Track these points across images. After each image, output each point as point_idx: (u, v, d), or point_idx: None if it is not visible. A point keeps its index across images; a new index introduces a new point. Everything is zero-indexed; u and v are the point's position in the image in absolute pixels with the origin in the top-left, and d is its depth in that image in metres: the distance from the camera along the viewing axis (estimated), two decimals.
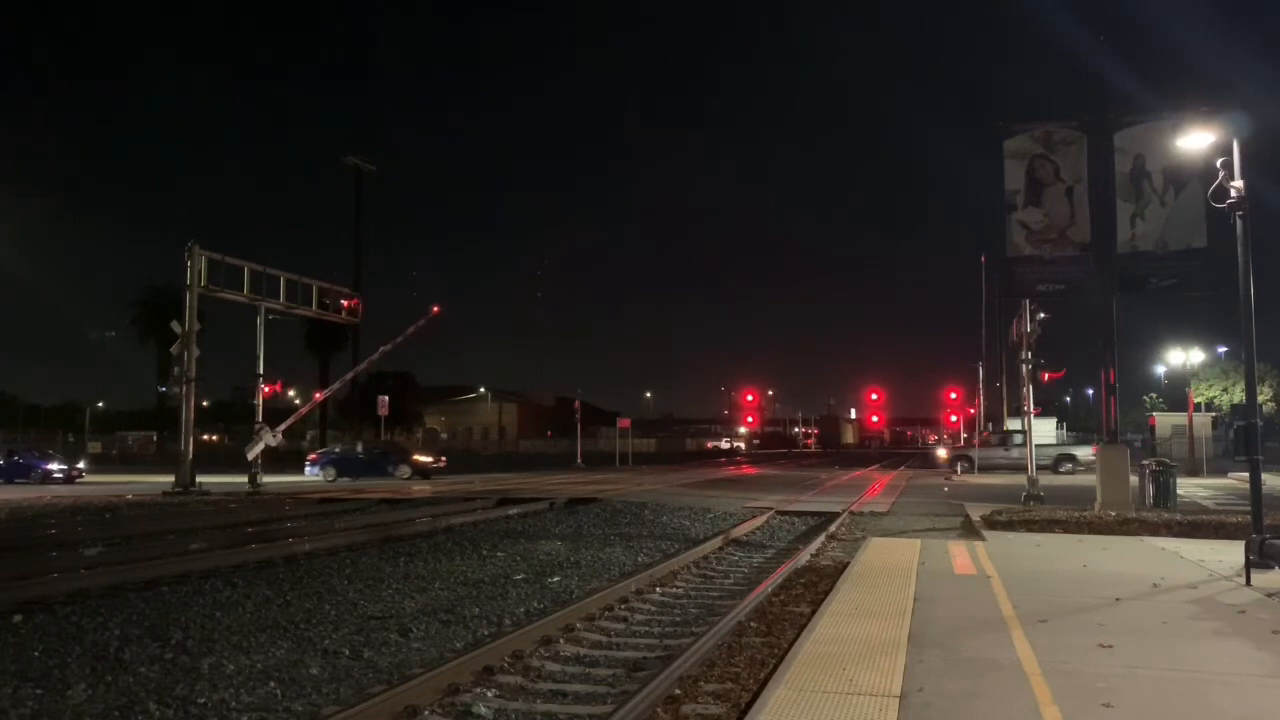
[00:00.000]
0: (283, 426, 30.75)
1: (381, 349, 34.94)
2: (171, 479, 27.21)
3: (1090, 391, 77.36)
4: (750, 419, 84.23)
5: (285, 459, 43.65)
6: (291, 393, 36.13)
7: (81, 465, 35.23)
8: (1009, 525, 15.38)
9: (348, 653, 7.45)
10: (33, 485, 31.02)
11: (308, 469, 34.09)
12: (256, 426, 29.89)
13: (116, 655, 7.26)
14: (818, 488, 28.76)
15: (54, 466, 33.15)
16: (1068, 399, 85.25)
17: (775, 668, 6.42)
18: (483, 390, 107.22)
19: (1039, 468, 40.77)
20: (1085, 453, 39.27)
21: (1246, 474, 11.34)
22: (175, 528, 17.35)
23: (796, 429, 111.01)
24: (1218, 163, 11.12)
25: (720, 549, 13.99)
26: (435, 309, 35.25)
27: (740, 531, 16.02)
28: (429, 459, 35.86)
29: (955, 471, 37.58)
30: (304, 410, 35.85)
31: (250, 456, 28.96)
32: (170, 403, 41.98)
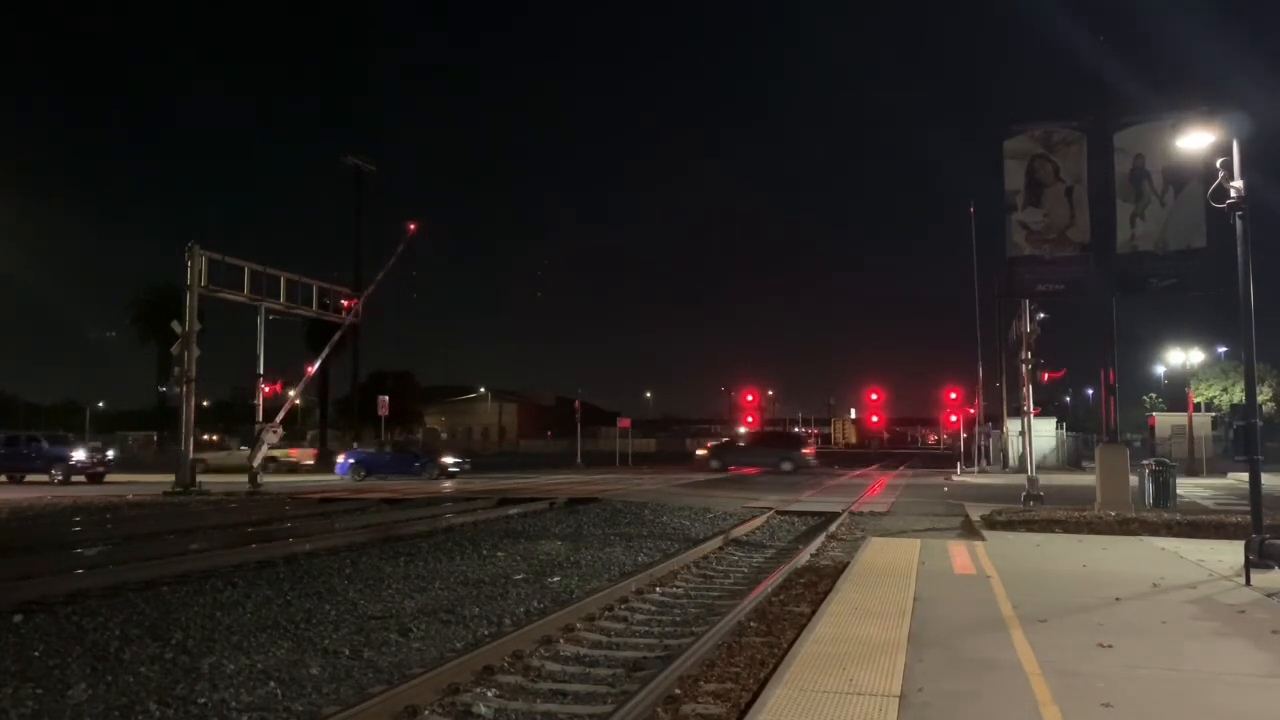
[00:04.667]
0: (280, 417, 30.50)
1: (366, 293, 34.83)
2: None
3: (1090, 391, 77.27)
4: (750, 419, 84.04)
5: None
6: (292, 392, 35.82)
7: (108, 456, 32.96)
8: (1009, 525, 15.38)
9: (348, 652, 7.45)
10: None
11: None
12: (257, 428, 29.79)
13: (116, 655, 7.26)
14: (817, 488, 28.76)
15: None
16: (1068, 399, 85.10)
17: (775, 667, 6.42)
18: (483, 390, 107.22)
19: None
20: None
21: (1246, 474, 11.34)
22: (175, 528, 17.35)
23: (797, 429, 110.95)
24: (1217, 163, 11.12)
25: (720, 549, 14.00)
26: (412, 226, 35.17)
27: (740, 531, 16.02)
28: None
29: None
30: (295, 395, 35.24)
31: (256, 463, 28.84)
32: (170, 403, 41.87)
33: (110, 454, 33.14)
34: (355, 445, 39.24)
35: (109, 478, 31.75)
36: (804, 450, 41.75)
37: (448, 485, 29.62)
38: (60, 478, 30.13)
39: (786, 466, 38.39)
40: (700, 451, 39.52)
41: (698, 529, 17.04)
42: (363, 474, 32.99)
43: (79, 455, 31.32)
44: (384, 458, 34.90)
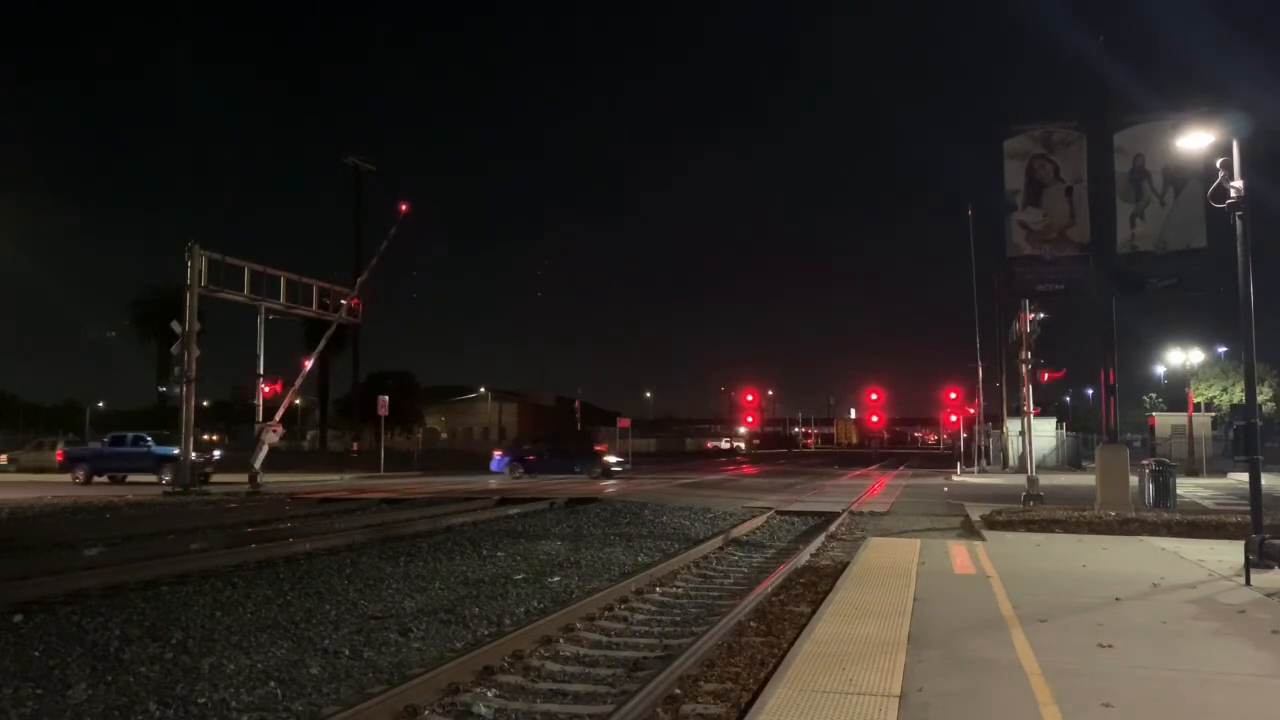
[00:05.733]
0: (278, 415, 30.38)
1: (362, 279, 34.87)
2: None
3: (1090, 391, 77.28)
4: (750, 419, 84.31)
5: (289, 457, 43.46)
6: (290, 390, 35.48)
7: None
8: (1009, 525, 15.38)
9: (348, 652, 7.45)
10: None
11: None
12: (257, 429, 29.73)
13: (116, 655, 7.26)
14: (817, 488, 28.77)
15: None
16: (1068, 399, 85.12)
17: (775, 667, 6.42)
18: (483, 390, 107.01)
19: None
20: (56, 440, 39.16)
21: (1246, 474, 11.34)
22: (175, 528, 17.35)
23: (797, 429, 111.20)
24: (1217, 163, 11.12)
25: (720, 549, 13.99)
26: (404, 207, 35.32)
27: (740, 531, 16.02)
28: None
29: None
30: (293, 393, 34.93)
31: (258, 464, 28.76)
32: (170, 403, 41.72)
33: (217, 454, 31.95)
34: (508, 446, 38.96)
35: (214, 477, 29.82)
36: (606, 458, 38.48)
37: (610, 485, 27.97)
38: (169, 478, 28.29)
39: (590, 470, 35.46)
40: (497, 451, 39.73)
41: (698, 529, 17.04)
42: (520, 471, 33.36)
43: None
44: (543, 455, 35.00)
